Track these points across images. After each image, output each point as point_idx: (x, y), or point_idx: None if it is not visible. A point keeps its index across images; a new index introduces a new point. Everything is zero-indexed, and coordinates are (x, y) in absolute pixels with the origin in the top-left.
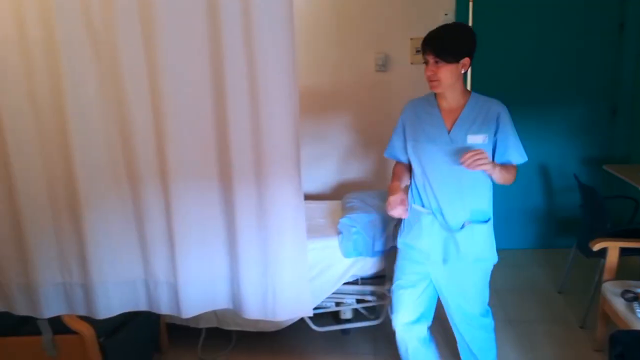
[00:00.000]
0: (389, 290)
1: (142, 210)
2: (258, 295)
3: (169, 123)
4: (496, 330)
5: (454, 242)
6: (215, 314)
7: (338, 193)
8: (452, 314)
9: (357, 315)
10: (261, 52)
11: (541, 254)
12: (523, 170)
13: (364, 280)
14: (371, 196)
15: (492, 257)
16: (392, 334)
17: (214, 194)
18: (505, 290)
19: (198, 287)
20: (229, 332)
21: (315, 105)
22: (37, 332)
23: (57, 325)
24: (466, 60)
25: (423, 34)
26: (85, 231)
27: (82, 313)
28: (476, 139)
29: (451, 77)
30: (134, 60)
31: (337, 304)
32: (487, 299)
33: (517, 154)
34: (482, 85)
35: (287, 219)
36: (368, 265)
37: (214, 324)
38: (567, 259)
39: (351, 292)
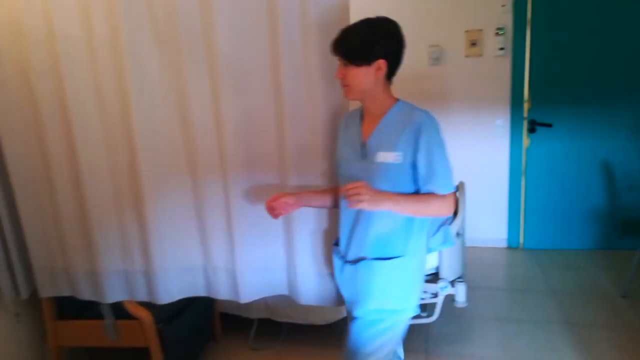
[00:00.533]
0: (442, 288)
1: (202, 199)
2: (314, 283)
3: (228, 115)
4: (555, 333)
5: (353, 281)
6: (267, 305)
7: None
8: None
9: None
10: (318, 48)
11: (602, 255)
12: (584, 166)
13: None
14: None
15: (399, 308)
16: (445, 332)
17: (274, 186)
18: (564, 292)
19: (256, 274)
20: (280, 323)
21: None
22: (100, 317)
23: (118, 310)
24: (381, 62)
25: (479, 26)
26: (147, 220)
27: (143, 299)
28: (386, 157)
29: (363, 82)
30: (195, 55)
31: None
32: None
33: (439, 182)
34: (543, 78)
35: None
36: None
37: (265, 315)
38: (632, 261)
39: None
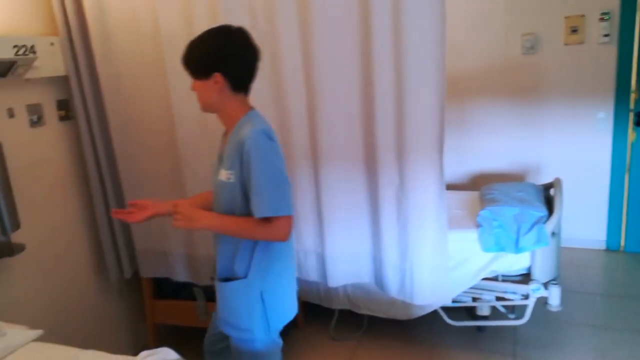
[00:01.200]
0: (533, 290)
1: (294, 187)
2: (397, 276)
3: (321, 108)
4: None
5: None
6: (348, 297)
7: (474, 183)
8: None
9: (495, 313)
10: (409, 39)
11: None
12: None
13: (505, 277)
14: (515, 188)
15: (244, 327)
16: (535, 336)
17: (359, 176)
18: None
19: (343, 260)
20: (361, 316)
21: (455, 89)
22: (192, 298)
23: (209, 293)
24: (217, 76)
25: (581, 11)
26: None
27: None
28: (222, 175)
29: (207, 96)
30: (291, 50)
31: (474, 299)
32: None
33: (257, 204)
34: None
35: (427, 206)
36: (510, 262)
37: (346, 307)
38: None
39: (490, 289)
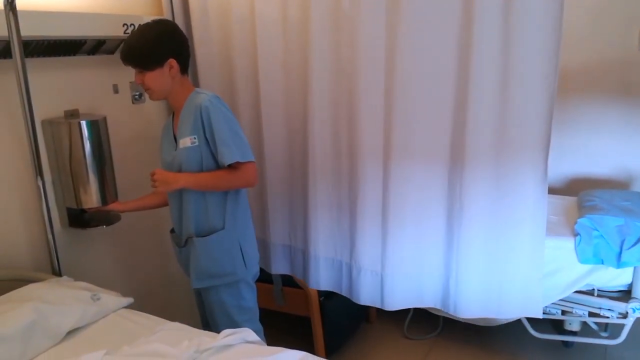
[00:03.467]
0: (634, 309)
1: (357, 188)
2: (477, 291)
3: (399, 99)
4: None
5: (187, 259)
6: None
7: (570, 187)
8: None
9: (584, 329)
10: (520, 24)
11: None
12: None
13: (602, 293)
14: (620, 197)
15: (229, 271)
16: (628, 359)
17: (439, 178)
18: None
19: (405, 279)
20: (437, 316)
21: (560, 84)
22: (269, 281)
23: (285, 278)
24: (172, 61)
25: None
26: (309, 201)
27: (300, 277)
28: (186, 142)
29: (162, 83)
30: (373, 37)
31: (563, 312)
32: (236, 324)
33: (224, 153)
34: None
35: (526, 211)
36: (609, 276)
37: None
38: None
39: (583, 303)
